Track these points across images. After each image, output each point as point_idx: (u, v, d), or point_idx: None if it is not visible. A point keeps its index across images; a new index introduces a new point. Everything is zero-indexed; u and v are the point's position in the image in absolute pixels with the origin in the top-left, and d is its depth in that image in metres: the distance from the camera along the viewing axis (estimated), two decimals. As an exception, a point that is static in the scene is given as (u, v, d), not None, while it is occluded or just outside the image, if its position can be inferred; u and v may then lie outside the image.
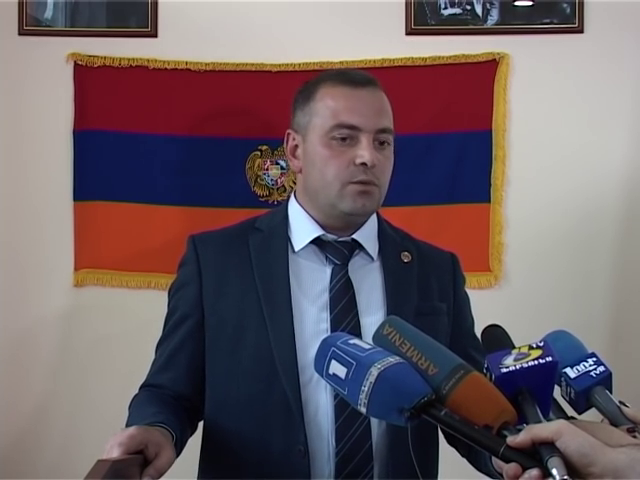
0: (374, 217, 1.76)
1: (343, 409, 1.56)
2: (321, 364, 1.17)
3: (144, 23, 2.70)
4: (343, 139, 1.64)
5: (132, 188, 2.70)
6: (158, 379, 1.70)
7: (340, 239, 1.70)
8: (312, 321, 1.63)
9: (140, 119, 2.70)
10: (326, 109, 1.66)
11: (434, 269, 1.77)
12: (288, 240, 1.70)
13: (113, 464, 1.21)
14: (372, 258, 1.72)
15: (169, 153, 2.70)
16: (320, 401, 1.59)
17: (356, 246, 1.71)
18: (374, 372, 1.09)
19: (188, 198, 2.69)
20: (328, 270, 1.68)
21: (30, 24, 2.70)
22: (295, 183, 1.83)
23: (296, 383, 1.58)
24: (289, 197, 1.79)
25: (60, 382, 2.68)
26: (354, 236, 1.70)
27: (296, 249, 1.69)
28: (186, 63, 2.70)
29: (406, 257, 1.74)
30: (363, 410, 1.11)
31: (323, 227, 1.70)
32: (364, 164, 1.63)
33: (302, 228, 1.71)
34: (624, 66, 2.67)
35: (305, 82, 1.77)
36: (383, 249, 1.73)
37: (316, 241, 1.69)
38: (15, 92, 2.70)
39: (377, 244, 1.74)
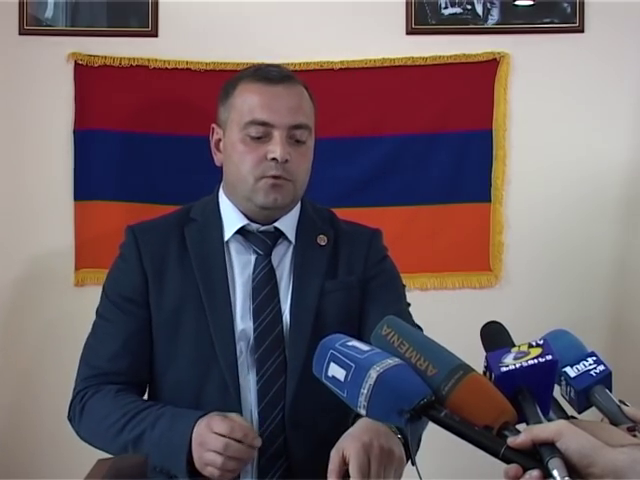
0: (298, 203, 1.81)
1: (266, 393, 1.64)
2: (320, 366, 1.17)
3: (144, 23, 2.70)
4: (258, 136, 1.69)
5: (132, 188, 2.70)
6: (116, 365, 1.71)
7: (262, 228, 1.75)
8: (239, 311, 1.70)
9: (140, 119, 2.70)
10: (242, 104, 1.72)
11: (347, 246, 1.80)
12: (221, 230, 1.75)
13: (113, 464, 1.21)
14: (294, 245, 1.77)
15: (169, 153, 2.70)
16: (250, 383, 1.67)
17: (279, 234, 1.76)
18: (373, 374, 1.09)
19: (188, 198, 2.65)
20: (252, 259, 1.74)
21: (31, 24, 2.69)
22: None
23: (235, 366, 1.66)
24: (218, 187, 1.84)
25: (60, 382, 2.68)
26: (276, 224, 1.76)
27: (225, 239, 1.75)
28: (186, 63, 2.70)
29: (322, 240, 1.79)
30: (363, 412, 1.10)
31: (247, 217, 1.75)
32: (275, 159, 1.67)
33: (230, 218, 1.76)
34: (624, 66, 2.67)
35: (229, 78, 1.82)
36: (299, 235, 1.78)
37: (241, 231, 1.75)
38: (15, 92, 2.70)
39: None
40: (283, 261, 1.75)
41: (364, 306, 1.75)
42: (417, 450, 1.60)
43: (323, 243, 1.78)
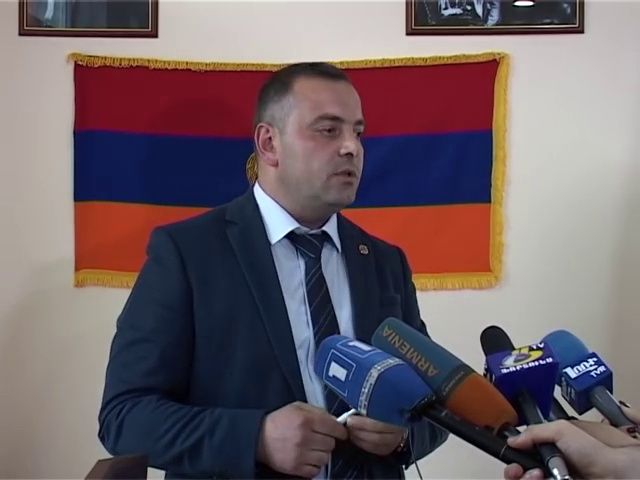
0: None
1: (335, 398, 1.55)
2: (321, 366, 1.17)
3: (144, 23, 2.70)
4: (328, 130, 1.66)
5: (132, 188, 2.71)
6: (152, 381, 1.61)
7: (311, 232, 1.72)
8: (294, 315, 1.64)
9: (140, 119, 2.70)
10: (307, 101, 1.67)
11: (387, 262, 1.81)
12: (265, 233, 1.70)
13: (113, 464, 1.21)
14: (337, 250, 1.75)
15: (169, 153, 2.70)
16: (315, 391, 1.61)
17: (325, 238, 1.74)
18: (374, 373, 1.09)
19: (188, 198, 2.68)
20: (302, 263, 1.70)
21: (31, 24, 2.70)
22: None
23: (298, 374, 1.60)
24: (252, 187, 1.77)
25: (60, 382, 2.68)
26: (324, 228, 1.73)
27: (272, 242, 1.70)
28: (186, 63, 2.70)
29: (363, 249, 1.78)
30: (363, 412, 1.11)
31: (296, 220, 1.71)
32: (349, 154, 1.65)
33: (276, 221, 1.71)
34: (624, 66, 2.67)
35: (274, 75, 1.77)
36: (343, 242, 1.76)
37: (289, 234, 1.71)
38: (16, 92, 2.70)
39: (338, 237, 1.77)
40: (329, 265, 1.72)
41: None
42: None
43: (364, 252, 1.77)
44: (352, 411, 1.46)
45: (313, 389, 1.61)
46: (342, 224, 1.79)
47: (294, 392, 1.58)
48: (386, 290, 1.75)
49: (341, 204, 1.70)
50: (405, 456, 1.59)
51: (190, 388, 1.66)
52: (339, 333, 1.64)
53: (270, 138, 1.71)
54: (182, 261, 1.64)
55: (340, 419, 1.50)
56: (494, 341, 1.29)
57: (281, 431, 1.48)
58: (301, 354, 1.62)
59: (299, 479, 1.51)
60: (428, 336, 1.79)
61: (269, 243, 1.69)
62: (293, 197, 1.70)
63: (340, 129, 1.66)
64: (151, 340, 1.63)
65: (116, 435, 1.61)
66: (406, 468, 1.65)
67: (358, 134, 1.71)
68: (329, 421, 1.50)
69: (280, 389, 1.59)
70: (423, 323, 1.86)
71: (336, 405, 1.56)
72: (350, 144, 1.65)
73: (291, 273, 1.68)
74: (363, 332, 1.61)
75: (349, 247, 1.75)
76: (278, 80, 1.73)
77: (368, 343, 1.18)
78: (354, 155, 1.65)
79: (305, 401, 1.58)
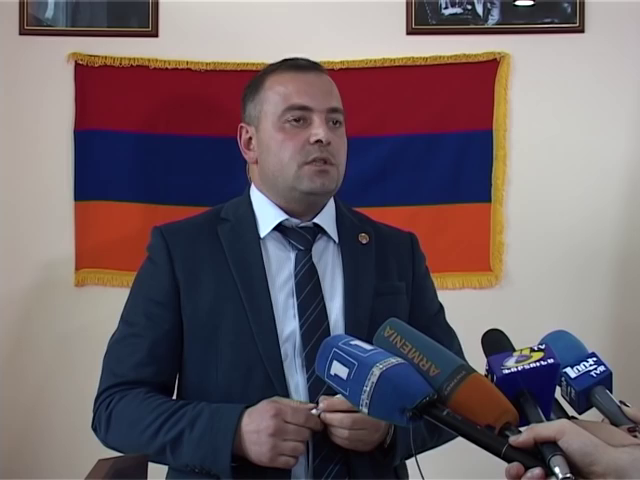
0: (332, 201, 1.79)
1: (317, 390, 1.58)
2: (322, 365, 1.17)
3: (145, 23, 2.70)
4: (296, 120, 1.66)
5: (133, 188, 2.71)
6: (141, 373, 1.66)
7: (302, 224, 1.72)
8: (281, 308, 1.66)
9: (141, 119, 2.70)
10: (276, 95, 1.70)
11: (392, 249, 1.79)
12: (256, 228, 1.72)
13: (114, 464, 1.21)
14: (334, 241, 1.74)
15: (169, 153, 2.71)
16: (299, 383, 1.62)
17: (318, 230, 1.73)
18: (376, 372, 1.09)
19: (188, 198, 2.69)
20: (292, 256, 1.70)
21: (31, 24, 2.70)
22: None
23: (280, 368, 1.61)
24: (249, 187, 1.80)
25: (60, 382, 2.68)
26: (316, 220, 1.73)
27: (261, 236, 1.71)
28: (187, 63, 2.70)
29: (364, 238, 1.77)
30: (365, 410, 1.11)
31: (286, 212, 1.72)
32: (319, 141, 1.65)
33: (266, 215, 1.73)
34: (625, 66, 2.68)
35: (254, 76, 1.80)
36: (341, 232, 1.76)
37: (279, 227, 1.71)
38: (16, 92, 2.70)
39: (336, 227, 1.77)
40: (324, 257, 1.72)
41: (412, 313, 1.75)
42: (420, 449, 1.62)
43: (364, 241, 1.76)
44: (322, 404, 1.50)
45: (296, 383, 1.62)
46: (341, 214, 1.78)
47: (276, 387, 1.60)
48: (387, 279, 1.74)
49: (316, 192, 1.68)
50: (392, 451, 1.58)
51: (179, 382, 1.71)
52: (328, 324, 1.65)
53: (250, 138, 1.75)
54: (171, 259, 1.69)
55: (314, 411, 1.52)
56: (495, 344, 1.29)
57: (256, 424, 1.51)
58: (288, 348, 1.64)
59: (277, 473, 1.52)
60: (446, 320, 1.82)
61: (258, 237, 1.70)
62: (274, 191, 1.72)
63: (310, 118, 1.67)
64: (141, 335, 1.68)
65: (106, 426, 1.66)
66: (392, 464, 1.64)
67: (335, 123, 1.70)
68: (302, 412, 1.51)
69: (263, 384, 1.61)
70: (441, 306, 1.85)
71: (318, 398, 1.57)
72: (319, 131, 1.65)
73: (281, 266, 1.69)
74: (354, 323, 1.64)
75: (346, 237, 1.75)
76: (253, 81, 1.77)
77: (370, 342, 1.18)
78: (324, 142, 1.65)
79: (287, 396, 1.60)
